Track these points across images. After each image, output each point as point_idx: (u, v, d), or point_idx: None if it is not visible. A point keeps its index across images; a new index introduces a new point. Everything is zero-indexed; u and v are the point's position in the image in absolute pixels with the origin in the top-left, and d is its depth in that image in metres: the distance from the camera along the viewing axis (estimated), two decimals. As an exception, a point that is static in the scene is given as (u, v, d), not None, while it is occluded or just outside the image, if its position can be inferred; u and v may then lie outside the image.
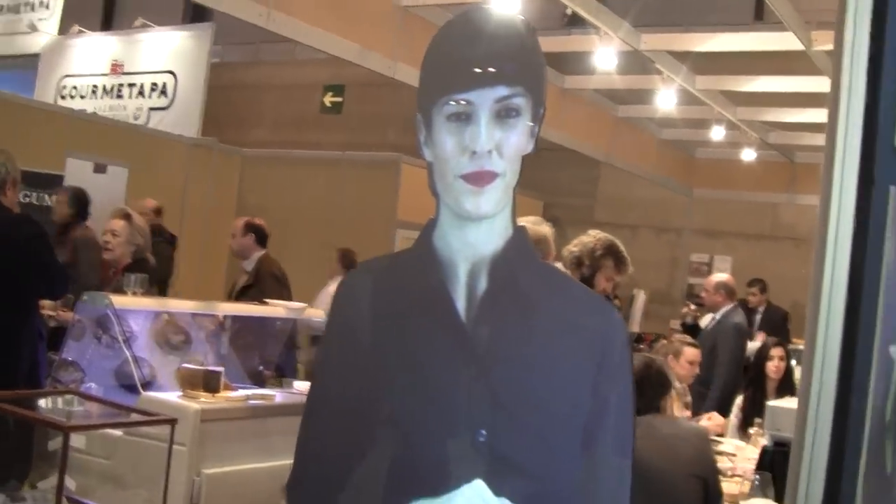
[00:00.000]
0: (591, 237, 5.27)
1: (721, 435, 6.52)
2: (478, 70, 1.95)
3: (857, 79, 1.82)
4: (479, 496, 1.88)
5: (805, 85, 10.30)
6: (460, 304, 1.97)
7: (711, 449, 4.62)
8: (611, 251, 5.20)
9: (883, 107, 1.85)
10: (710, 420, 6.53)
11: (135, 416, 4.31)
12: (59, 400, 4.20)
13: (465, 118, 1.95)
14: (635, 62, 9.99)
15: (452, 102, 1.96)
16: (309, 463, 2.17)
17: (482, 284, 1.96)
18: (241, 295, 7.24)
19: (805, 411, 1.83)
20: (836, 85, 1.84)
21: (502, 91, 1.95)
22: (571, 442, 1.90)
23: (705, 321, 9.10)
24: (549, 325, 1.94)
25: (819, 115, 11.50)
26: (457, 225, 2.00)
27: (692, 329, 9.21)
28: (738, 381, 7.90)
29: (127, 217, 6.44)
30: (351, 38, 8.50)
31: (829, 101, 1.86)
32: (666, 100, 10.72)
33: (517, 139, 1.97)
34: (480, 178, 1.94)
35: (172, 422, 3.98)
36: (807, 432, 1.82)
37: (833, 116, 1.84)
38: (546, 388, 1.92)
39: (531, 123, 2.00)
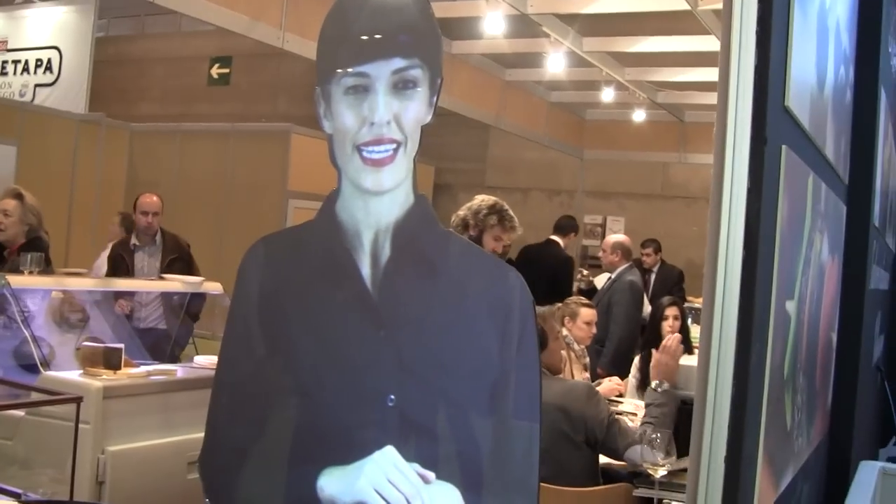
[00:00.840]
0: (477, 200, 5.32)
1: (621, 395, 6.60)
2: (373, 42, 1.94)
3: (747, 41, 1.84)
4: (389, 462, 1.90)
5: (692, 44, 10.42)
6: (365, 271, 1.99)
7: (599, 402, 4.65)
8: (494, 210, 5.22)
9: (773, 68, 1.88)
10: (611, 381, 6.61)
11: (39, 396, 4.22)
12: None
13: (362, 90, 1.97)
14: (522, 26, 10.01)
15: (349, 76, 1.96)
16: (219, 434, 2.18)
17: (386, 252, 1.99)
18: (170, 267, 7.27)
19: (706, 368, 1.86)
20: (725, 47, 1.87)
21: (399, 63, 1.96)
22: (479, 404, 1.91)
23: (600, 281, 9.21)
24: (452, 290, 1.96)
25: (707, 74, 11.69)
26: (359, 196, 2.02)
27: (588, 293, 9.31)
28: (633, 339, 8.01)
29: (18, 196, 6.33)
30: (239, 10, 8.38)
31: (720, 63, 1.89)
32: (555, 63, 10.77)
33: (415, 110, 1.98)
34: (379, 154, 1.94)
35: (78, 400, 3.95)
36: (708, 389, 1.85)
37: (724, 78, 1.87)
38: (452, 351, 1.94)
39: (429, 93, 1.99)
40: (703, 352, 1.88)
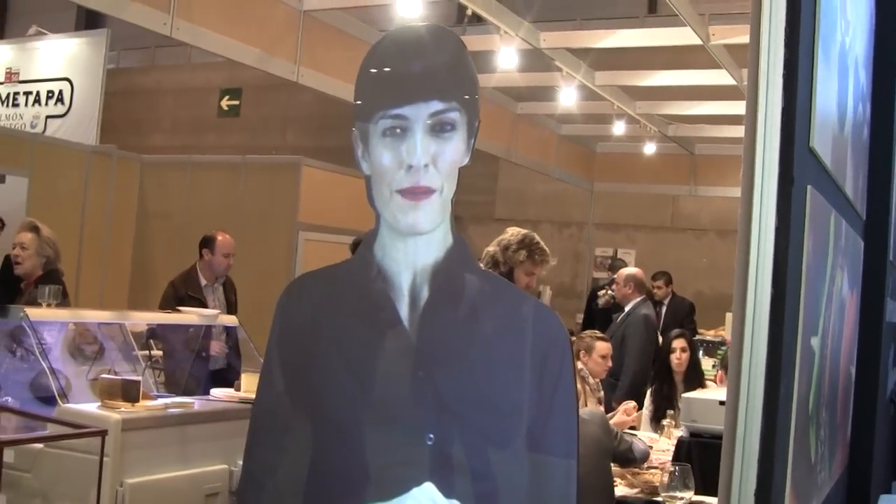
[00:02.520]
0: (507, 233, 5.20)
1: (634, 427, 6.62)
2: (411, 85, 1.98)
3: (774, 84, 1.89)
4: (428, 498, 1.92)
5: (703, 78, 10.51)
6: (403, 312, 2.02)
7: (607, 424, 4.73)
8: (524, 244, 5.11)
9: (799, 110, 1.93)
10: (627, 413, 6.59)
11: (59, 428, 4.25)
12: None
13: (400, 133, 2.00)
14: (535, 60, 10.09)
15: (387, 118, 2.00)
16: (257, 469, 2.19)
17: (424, 293, 2.01)
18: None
19: (736, 402, 1.89)
20: (752, 90, 1.91)
21: (436, 105, 2.00)
22: (517, 442, 1.94)
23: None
24: (490, 330, 1.99)
25: (718, 108, 11.77)
26: (396, 237, 2.05)
27: (607, 312, 9.36)
28: (647, 373, 8.02)
29: (35, 229, 6.34)
30: (253, 44, 8.47)
31: (747, 105, 1.93)
32: (566, 96, 10.84)
33: (452, 152, 2.02)
34: (416, 193, 1.98)
35: (103, 433, 3.98)
36: (738, 423, 1.88)
37: (751, 120, 1.91)
38: (489, 391, 1.97)
39: (467, 136, 2.04)
40: (733, 386, 1.92)
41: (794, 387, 2.03)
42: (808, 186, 2.06)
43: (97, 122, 12.82)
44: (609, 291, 10.45)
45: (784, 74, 1.89)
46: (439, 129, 2.02)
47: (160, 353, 7.09)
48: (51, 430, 4.41)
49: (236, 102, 16.00)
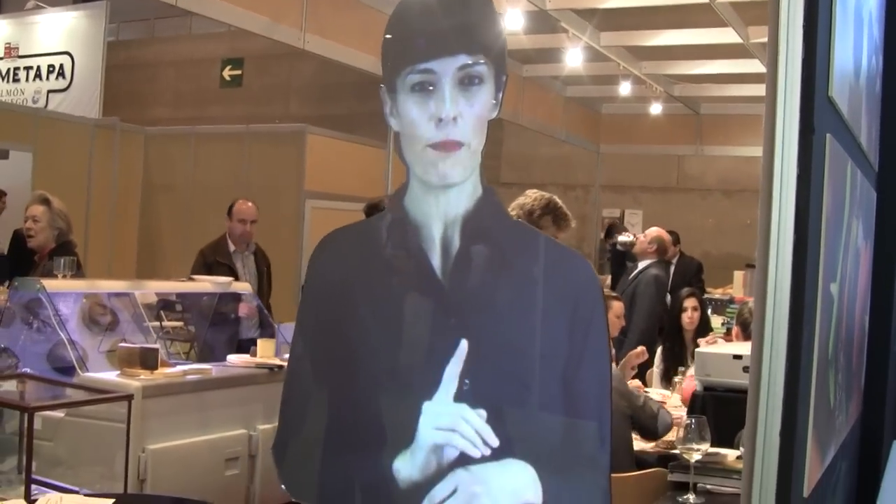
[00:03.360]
0: (529, 197, 5.14)
1: (646, 384, 6.68)
2: (438, 40, 2.02)
3: (794, 35, 1.92)
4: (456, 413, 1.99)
5: (709, 37, 10.50)
6: (436, 262, 2.07)
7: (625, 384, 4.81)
8: (548, 210, 5.07)
9: (819, 60, 1.96)
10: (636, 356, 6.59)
11: (83, 395, 4.31)
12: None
13: (428, 87, 2.04)
14: (540, 21, 10.08)
15: (415, 73, 2.04)
16: (292, 423, 2.25)
17: (455, 243, 2.06)
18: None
19: (761, 348, 1.93)
20: (773, 41, 1.94)
21: (464, 59, 2.04)
22: (550, 386, 1.99)
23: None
24: (522, 278, 2.03)
25: (723, 67, 11.76)
26: (427, 190, 2.10)
27: (622, 256, 9.41)
28: (654, 332, 8.07)
29: (46, 202, 6.37)
30: (259, 12, 8.48)
31: (768, 56, 1.96)
32: (572, 58, 10.84)
33: (481, 106, 2.06)
34: (447, 146, 2.02)
35: (129, 397, 4.02)
36: (762, 367, 1.92)
37: (772, 71, 1.94)
38: (522, 337, 2.01)
39: (494, 90, 2.07)
40: (757, 333, 1.96)
41: (816, 331, 2.07)
42: (828, 135, 2.09)
43: (99, 96, 12.86)
44: (632, 237, 10.42)
45: (804, 25, 1.92)
46: (467, 82, 2.06)
47: (172, 323, 7.14)
48: (73, 397, 4.45)
49: (238, 72, 15.99)
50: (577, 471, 1.95)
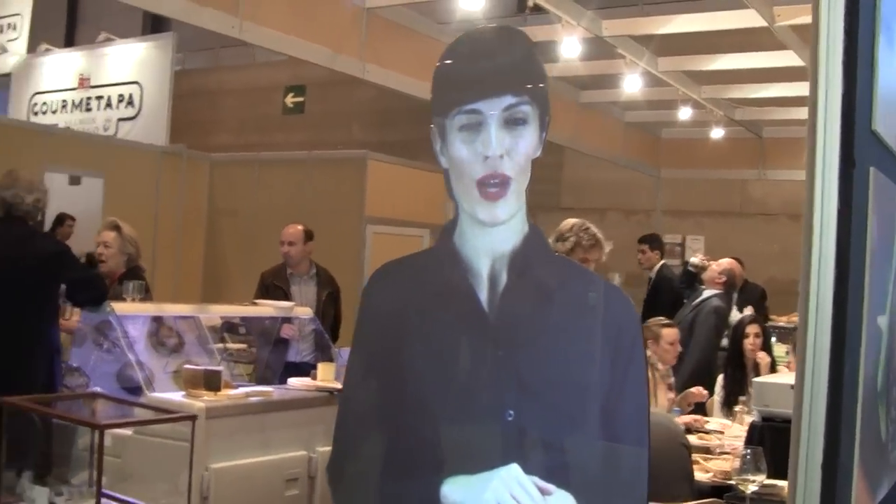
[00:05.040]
0: (562, 225, 5.29)
1: (705, 413, 6.64)
2: (484, 82, 2.09)
3: (834, 69, 1.93)
4: (514, 478, 2.02)
5: (769, 60, 10.42)
6: (483, 296, 2.14)
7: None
8: (573, 231, 5.20)
9: (860, 94, 1.97)
10: (695, 394, 6.57)
11: (151, 415, 4.50)
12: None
13: (476, 127, 2.12)
14: (597, 48, 10.10)
15: (463, 113, 2.10)
16: (345, 445, 2.33)
17: (503, 279, 2.13)
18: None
19: (802, 381, 1.94)
20: (814, 75, 1.95)
21: (509, 100, 2.11)
22: (592, 418, 2.03)
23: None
24: (565, 313, 2.09)
25: (785, 90, 11.65)
26: (476, 226, 2.17)
27: (691, 277, 9.39)
28: (711, 363, 8.01)
29: (116, 228, 6.61)
30: (319, 42, 8.63)
31: (809, 90, 1.97)
32: (630, 84, 10.83)
33: (525, 144, 2.13)
34: (494, 189, 2.09)
35: (193, 418, 4.21)
36: (804, 399, 1.93)
37: (813, 105, 1.95)
38: (565, 370, 2.07)
39: (538, 129, 2.13)
40: (800, 367, 1.96)
41: (861, 365, 2.07)
42: (871, 168, 2.09)
43: (167, 124, 13.21)
44: (703, 261, 10.29)
45: (844, 60, 1.93)
46: (512, 122, 2.13)
47: (235, 345, 7.26)
48: (140, 416, 4.68)
49: (301, 99, 16.17)
50: (617, 499, 1.99)
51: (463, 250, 2.20)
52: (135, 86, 13.77)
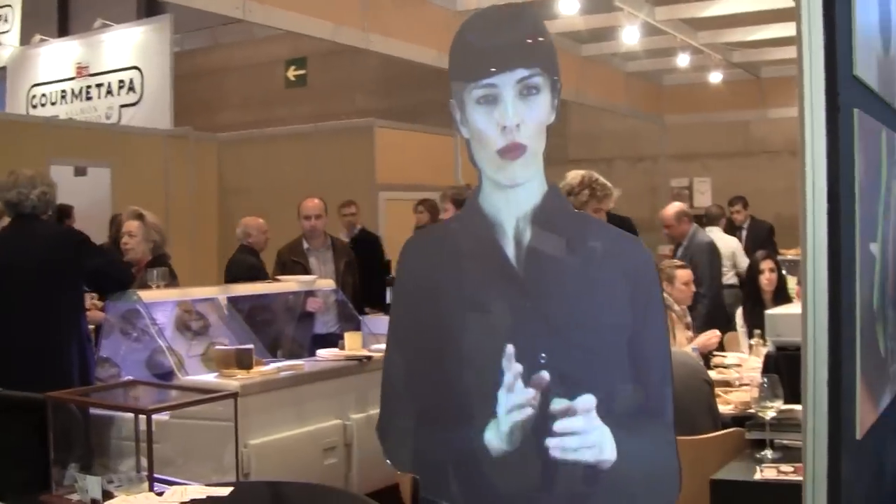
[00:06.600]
0: (568, 178, 5.38)
1: (723, 348, 6.78)
2: (498, 57, 2.28)
3: (815, 20, 2.12)
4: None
5: (763, 2, 10.52)
6: (510, 252, 2.35)
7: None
8: (584, 185, 5.33)
9: (840, 43, 2.15)
10: (712, 337, 6.71)
11: (191, 396, 4.58)
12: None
13: (492, 99, 2.32)
14: (595, 2, 10.20)
15: (479, 87, 2.30)
16: (392, 404, 2.54)
17: (527, 234, 2.33)
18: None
19: (805, 306, 2.14)
20: (798, 27, 2.14)
21: (522, 73, 2.31)
22: (618, 355, 2.22)
23: None
24: (587, 262, 2.27)
25: (781, 30, 11.72)
26: (499, 189, 2.37)
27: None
28: (720, 296, 8.14)
29: (140, 217, 6.67)
30: (322, 16, 8.71)
31: (797, 43, 2.16)
32: (629, 35, 10.94)
33: (539, 112, 2.32)
34: (511, 151, 2.27)
35: (235, 395, 4.31)
36: (808, 322, 2.13)
37: (800, 56, 2.14)
38: (590, 314, 2.26)
39: (551, 97, 2.31)
40: (804, 293, 2.16)
41: (857, 287, 2.27)
42: (855, 110, 2.28)
43: (170, 107, 13.14)
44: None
45: (823, 11, 2.11)
46: (526, 93, 2.31)
47: (259, 323, 7.39)
48: (183, 399, 4.69)
49: (303, 72, 16.17)
50: (645, 428, 2.18)
51: (488, 212, 2.39)
52: (135, 71, 13.67)
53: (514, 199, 2.36)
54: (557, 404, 2.22)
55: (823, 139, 2.12)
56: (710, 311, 7.86)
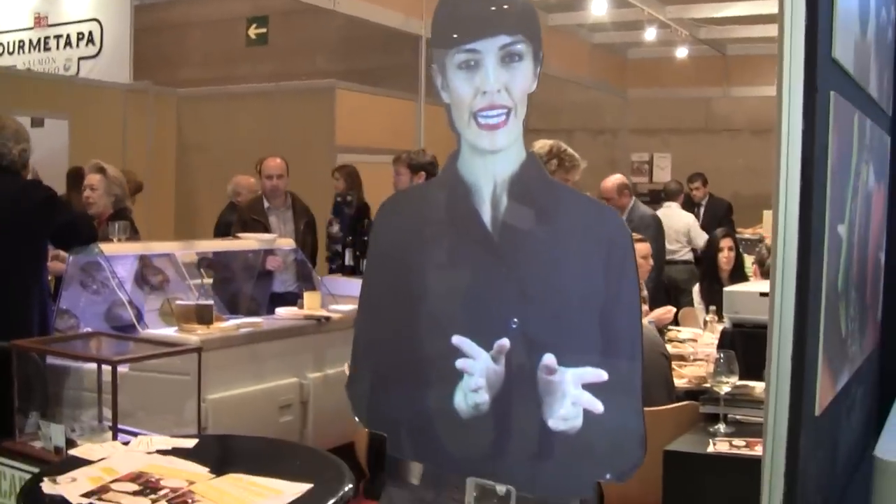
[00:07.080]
0: (535, 147, 5.13)
1: (678, 323, 6.85)
2: (481, 22, 2.28)
3: (798, 3, 2.14)
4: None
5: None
6: (486, 217, 2.36)
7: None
8: (552, 155, 5.26)
9: (821, 25, 2.18)
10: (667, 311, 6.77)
11: (151, 349, 4.60)
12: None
13: (474, 65, 2.32)
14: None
15: (462, 52, 2.30)
16: (363, 362, 2.55)
17: (504, 201, 2.34)
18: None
19: (774, 281, 2.18)
20: (780, 7, 2.17)
21: (504, 39, 2.32)
22: (590, 323, 2.24)
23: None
24: (562, 230, 2.30)
25: (747, 8, 11.80)
26: (477, 155, 2.38)
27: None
28: (663, 270, 8.22)
29: (101, 170, 6.63)
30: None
31: (778, 23, 2.19)
32: (597, 6, 10.96)
33: (522, 79, 2.33)
34: (493, 119, 2.30)
35: (199, 350, 4.35)
36: (776, 297, 2.17)
37: (780, 36, 2.17)
38: (564, 281, 2.29)
39: (533, 65, 2.32)
40: (773, 270, 2.20)
41: (824, 268, 2.31)
42: (832, 93, 2.31)
43: (129, 60, 12.93)
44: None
45: (807, -2, 2.14)
46: (508, 59, 2.33)
47: (211, 280, 7.36)
48: (148, 351, 4.71)
49: (263, 31, 15.97)
50: (614, 395, 2.21)
51: (466, 177, 2.40)
52: (94, 23, 13.40)
53: (493, 165, 2.37)
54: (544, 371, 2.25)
55: (800, 120, 2.15)
56: (657, 285, 7.91)
